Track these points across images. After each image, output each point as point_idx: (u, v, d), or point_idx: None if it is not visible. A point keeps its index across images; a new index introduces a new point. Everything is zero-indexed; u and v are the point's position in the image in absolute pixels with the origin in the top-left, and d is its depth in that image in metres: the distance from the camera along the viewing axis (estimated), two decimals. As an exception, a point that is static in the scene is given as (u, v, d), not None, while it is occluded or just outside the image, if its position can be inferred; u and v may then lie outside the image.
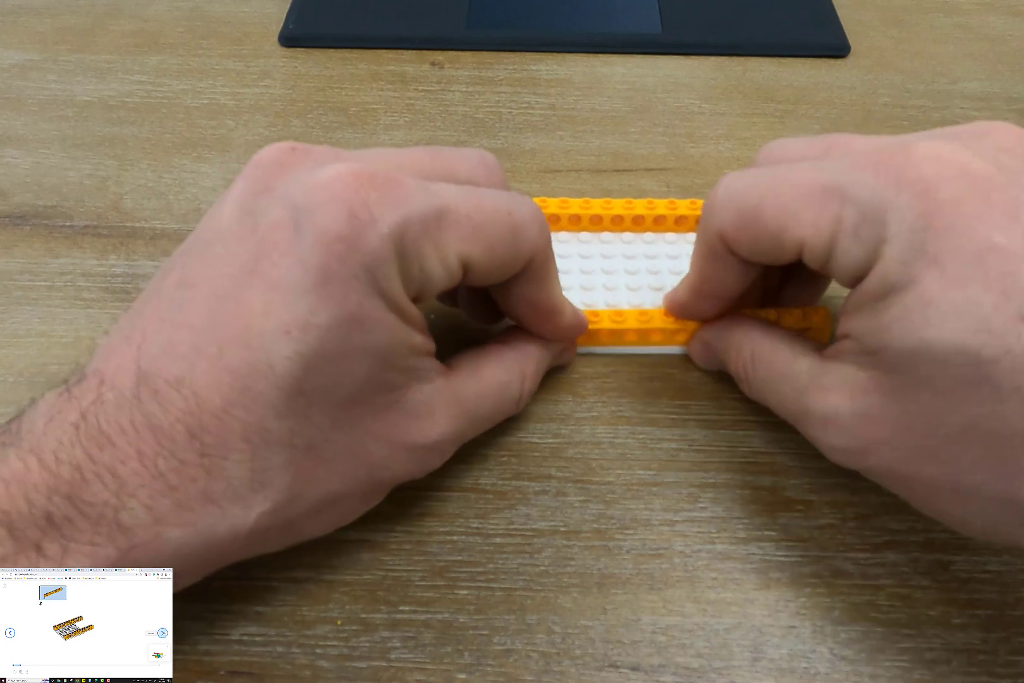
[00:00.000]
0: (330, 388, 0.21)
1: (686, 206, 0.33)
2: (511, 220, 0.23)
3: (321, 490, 0.22)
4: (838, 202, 0.21)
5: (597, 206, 0.33)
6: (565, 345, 0.29)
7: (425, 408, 0.24)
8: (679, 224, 0.33)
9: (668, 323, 0.30)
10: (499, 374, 0.26)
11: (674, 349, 0.31)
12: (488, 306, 0.29)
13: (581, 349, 0.31)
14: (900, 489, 0.23)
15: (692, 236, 0.32)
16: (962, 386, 0.19)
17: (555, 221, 0.33)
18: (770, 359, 0.26)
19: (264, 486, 0.21)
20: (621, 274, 0.33)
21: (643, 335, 0.31)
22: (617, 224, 0.33)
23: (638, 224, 0.33)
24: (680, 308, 0.29)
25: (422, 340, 0.23)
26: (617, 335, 0.31)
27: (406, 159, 0.24)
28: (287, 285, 0.20)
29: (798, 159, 0.25)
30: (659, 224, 0.33)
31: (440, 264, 0.22)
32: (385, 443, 0.23)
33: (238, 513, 0.21)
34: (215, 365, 0.20)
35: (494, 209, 0.23)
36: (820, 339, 0.29)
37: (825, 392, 0.23)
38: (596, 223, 0.34)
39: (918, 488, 0.22)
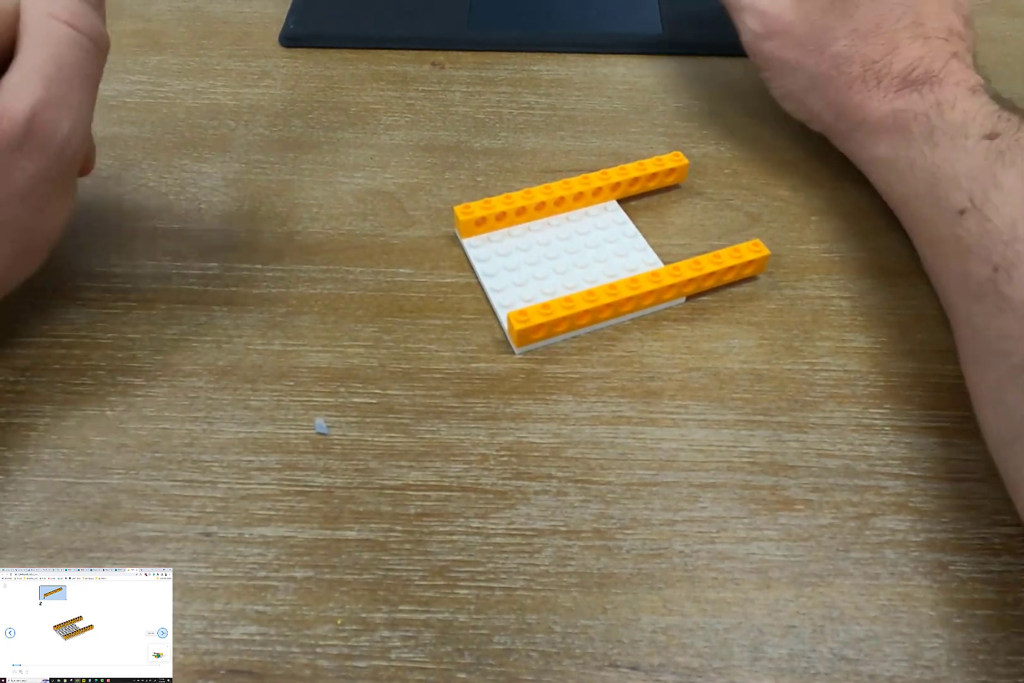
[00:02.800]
0: None
1: (597, 178, 0.36)
2: None
3: None
4: None
5: (518, 198, 0.35)
6: None
7: None
8: (596, 196, 0.36)
9: (612, 296, 0.31)
10: None
11: (626, 318, 0.33)
12: None
13: (570, 335, 0.32)
14: (772, 70, 0.36)
15: (611, 204, 0.37)
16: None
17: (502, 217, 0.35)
18: None
19: None
20: (564, 256, 0.35)
21: (595, 314, 0.32)
22: (541, 210, 0.35)
23: (559, 205, 0.36)
24: None
25: None
26: (571, 321, 0.31)
27: None
28: None
29: None
30: (579, 200, 0.36)
31: None
32: None
33: None
34: None
35: None
36: (759, 270, 0.34)
37: None
38: (526, 213, 0.35)
39: (782, 70, 0.36)
